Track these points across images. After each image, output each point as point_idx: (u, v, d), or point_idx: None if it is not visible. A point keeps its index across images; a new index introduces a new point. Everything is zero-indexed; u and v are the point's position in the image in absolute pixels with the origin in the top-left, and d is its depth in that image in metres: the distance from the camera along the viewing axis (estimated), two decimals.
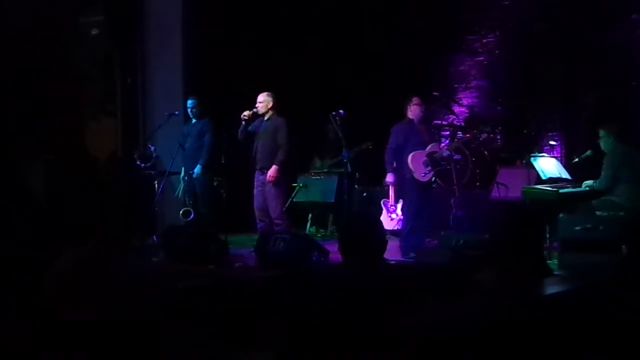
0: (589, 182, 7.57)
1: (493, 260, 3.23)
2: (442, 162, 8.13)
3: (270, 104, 8.19)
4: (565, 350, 2.77)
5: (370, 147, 9.38)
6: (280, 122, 8.25)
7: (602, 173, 7.40)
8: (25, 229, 7.02)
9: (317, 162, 9.99)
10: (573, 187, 7.67)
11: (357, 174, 9.57)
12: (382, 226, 3.49)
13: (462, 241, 6.48)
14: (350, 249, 3.29)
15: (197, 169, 8.61)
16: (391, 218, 9.29)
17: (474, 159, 9.42)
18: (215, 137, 8.65)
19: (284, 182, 8.30)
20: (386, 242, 3.39)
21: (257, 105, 8.20)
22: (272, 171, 8.06)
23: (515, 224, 3.20)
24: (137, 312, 2.84)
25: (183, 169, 8.76)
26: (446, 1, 10.79)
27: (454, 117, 10.27)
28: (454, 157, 9.49)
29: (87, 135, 9.52)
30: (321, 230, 9.82)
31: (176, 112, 8.84)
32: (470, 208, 8.77)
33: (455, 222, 8.79)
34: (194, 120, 8.84)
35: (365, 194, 9.76)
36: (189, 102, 8.79)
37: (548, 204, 7.44)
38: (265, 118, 8.28)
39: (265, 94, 8.22)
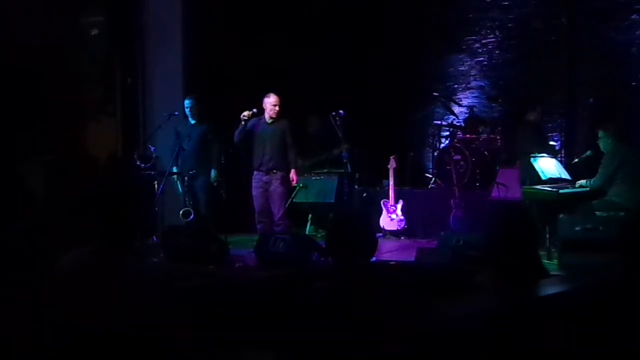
0: (583, 181, 7.58)
1: (490, 260, 3.23)
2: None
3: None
4: (564, 350, 2.77)
5: (349, 148, 9.34)
6: (287, 123, 8.34)
7: (599, 172, 7.41)
8: (25, 230, 7.02)
9: (299, 162, 9.96)
10: (573, 188, 7.68)
11: (357, 174, 9.57)
12: (371, 225, 3.31)
13: (462, 241, 6.48)
14: (334, 249, 3.18)
15: (214, 174, 8.63)
16: (391, 218, 9.30)
17: (473, 159, 9.41)
18: (219, 139, 8.68)
19: (289, 182, 8.39)
20: (376, 243, 3.27)
21: (274, 110, 8.20)
22: (294, 174, 8.32)
23: (509, 224, 3.19)
24: (137, 312, 2.84)
25: (176, 169, 8.75)
26: (446, 1, 10.80)
27: (454, 117, 10.28)
28: (454, 157, 9.51)
29: (87, 135, 9.51)
30: (321, 230, 9.81)
31: (176, 112, 8.84)
32: (470, 208, 8.78)
33: (455, 222, 8.80)
34: (192, 121, 8.83)
35: (365, 194, 9.75)
36: (187, 102, 8.79)
37: (548, 204, 7.45)
38: (269, 120, 8.30)
39: (277, 97, 8.23)
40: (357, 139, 9.38)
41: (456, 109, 10.34)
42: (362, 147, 9.51)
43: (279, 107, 8.24)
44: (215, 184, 8.65)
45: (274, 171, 8.26)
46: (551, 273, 3.69)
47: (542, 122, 9.01)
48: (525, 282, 3.12)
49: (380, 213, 9.31)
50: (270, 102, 8.22)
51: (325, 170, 9.90)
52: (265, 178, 8.31)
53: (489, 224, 3.27)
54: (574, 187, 7.67)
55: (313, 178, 9.65)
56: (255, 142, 8.34)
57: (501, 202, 8.29)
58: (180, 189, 8.79)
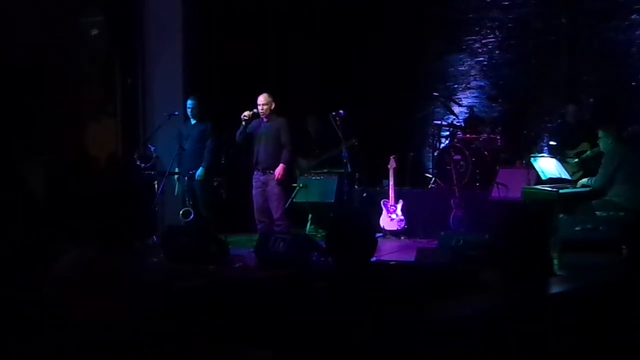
0: (584, 181, 7.58)
1: (495, 260, 3.22)
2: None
3: (273, 105, 8.26)
4: (565, 349, 2.77)
5: (356, 143, 9.33)
6: (283, 122, 8.32)
7: (599, 172, 7.41)
8: (25, 230, 7.02)
9: (302, 162, 9.96)
10: (573, 188, 7.68)
11: (357, 174, 9.57)
12: (370, 225, 3.34)
13: (462, 241, 6.48)
14: (334, 249, 3.18)
15: (200, 172, 8.63)
16: (391, 218, 9.29)
17: (474, 159, 9.41)
18: (217, 139, 8.68)
19: (287, 182, 8.38)
20: (375, 243, 3.28)
21: (260, 109, 8.21)
22: (279, 170, 8.20)
23: (521, 224, 3.18)
24: (137, 312, 2.84)
25: (177, 169, 8.75)
26: (446, 1, 10.79)
27: (454, 117, 10.28)
28: (454, 157, 9.51)
29: (87, 135, 9.50)
30: (321, 230, 9.81)
31: (176, 112, 8.85)
32: (470, 208, 8.78)
33: (455, 222, 8.79)
34: (193, 121, 8.85)
35: (365, 194, 9.75)
36: (189, 103, 8.81)
37: (548, 204, 7.44)
38: (266, 119, 8.33)
39: (265, 95, 8.24)
40: (357, 139, 9.37)
41: (456, 109, 10.34)
42: (362, 147, 9.51)
43: (269, 105, 8.22)
44: (215, 184, 8.65)
45: (270, 171, 8.27)
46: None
47: (574, 122, 8.92)
48: (531, 282, 3.11)
49: (380, 213, 9.30)
50: (258, 102, 8.24)
51: (325, 170, 9.90)
52: (262, 178, 8.33)
53: (498, 223, 3.26)
54: (574, 187, 7.67)
55: (313, 178, 9.65)
56: (254, 141, 8.37)
57: (506, 202, 8.28)
58: (179, 190, 8.79)
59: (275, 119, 8.34)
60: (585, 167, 8.12)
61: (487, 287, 3.16)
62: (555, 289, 3.20)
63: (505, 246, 3.15)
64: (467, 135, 9.94)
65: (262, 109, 8.22)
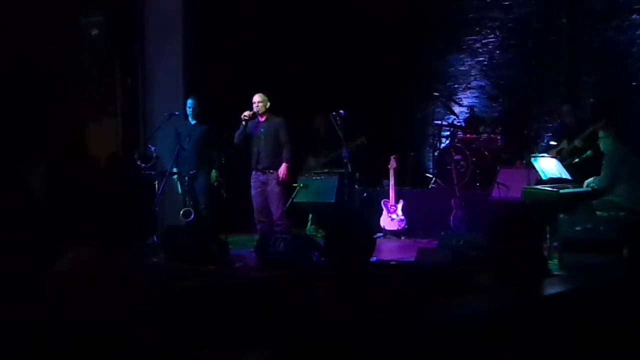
0: (590, 180, 7.57)
1: (492, 260, 3.23)
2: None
3: (268, 104, 8.32)
4: (565, 350, 2.77)
5: (365, 142, 9.33)
6: (280, 122, 8.37)
7: (602, 173, 7.42)
8: (25, 230, 7.02)
9: (312, 161, 9.96)
10: (573, 187, 7.68)
11: (357, 174, 9.57)
12: (368, 226, 3.36)
13: (462, 241, 6.48)
14: (333, 248, 3.20)
15: (214, 174, 8.67)
16: (391, 218, 9.29)
17: (474, 159, 9.41)
18: (219, 140, 8.70)
19: (287, 181, 8.40)
20: (374, 243, 3.29)
21: (255, 106, 8.27)
22: (283, 169, 8.30)
23: (513, 224, 3.19)
24: (137, 312, 2.84)
25: (175, 169, 8.73)
26: (446, 1, 10.79)
27: (455, 117, 10.27)
28: (455, 157, 9.50)
29: (87, 135, 9.50)
30: (321, 230, 9.81)
31: (176, 112, 8.84)
32: (471, 208, 8.78)
33: (456, 222, 8.79)
34: (193, 122, 8.84)
35: (365, 194, 9.75)
36: (189, 102, 8.80)
37: (548, 204, 7.44)
38: (263, 119, 8.36)
39: (260, 94, 8.34)
40: (366, 138, 9.35)
41: (457, 109, 10.33)
42: (363, 147, 9.51)
43: (264, 103, 8.32)
44: (215, 184, 8.66)
45: (270, 171, 8.32)
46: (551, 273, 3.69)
47: (569, 121, 8.92)
48: (528, 282, 3.12)
49: (381, 213, 9.30)
50: (253, 100, 8.31)
51: (325, 170, 9.90)
52: (262, 178, 8.36)
53: (492, 223, 3.27)
54: (575, 187, 7.67)
55: (313, 178, 9.65)
56: (252, 141, 8.40)
57: (504, 202, 8.28)
58: (179, 189, 8.79)
59: (273, 118, 8.39)
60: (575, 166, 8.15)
61: (487, 287, 3.16)
62: (554, 289, 3.20)
63: (499, 246, 3.16)
64: (468, 135, 9.94)
65: (257, 107, 8.29)
